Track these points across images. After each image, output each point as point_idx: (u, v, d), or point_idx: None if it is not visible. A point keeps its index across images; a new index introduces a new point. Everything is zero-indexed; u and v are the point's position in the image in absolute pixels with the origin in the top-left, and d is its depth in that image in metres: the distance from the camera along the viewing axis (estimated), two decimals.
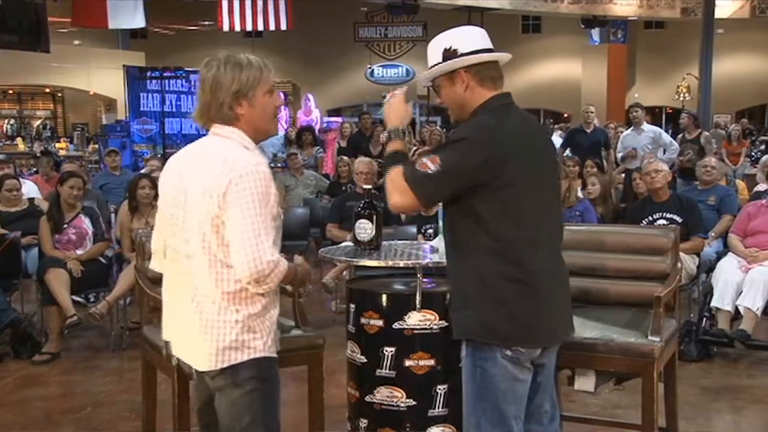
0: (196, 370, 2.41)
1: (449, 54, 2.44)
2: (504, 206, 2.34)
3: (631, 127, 9.58)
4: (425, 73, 2.53)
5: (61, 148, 17.63)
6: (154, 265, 2.54)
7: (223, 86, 2.30)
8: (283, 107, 16.63)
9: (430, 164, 2.33)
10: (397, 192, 2.39)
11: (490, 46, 2.48)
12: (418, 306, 3.24)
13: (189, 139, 10.20)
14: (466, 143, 2.33)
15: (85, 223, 5.91)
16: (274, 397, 2.41)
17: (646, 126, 9.45)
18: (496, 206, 2.34)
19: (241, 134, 2.33)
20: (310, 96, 17.66)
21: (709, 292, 5.39)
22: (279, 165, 10.36)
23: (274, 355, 2.38)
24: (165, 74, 14.24)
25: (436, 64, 2.48)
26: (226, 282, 2.27)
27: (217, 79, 2.30)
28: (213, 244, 2.25)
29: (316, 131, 12.46)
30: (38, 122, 23.02)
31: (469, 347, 2.45)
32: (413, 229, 5.86)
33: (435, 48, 2.49)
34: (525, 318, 2.38)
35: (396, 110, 2.60)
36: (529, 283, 2.37)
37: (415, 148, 9.10)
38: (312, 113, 16.74)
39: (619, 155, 9.53)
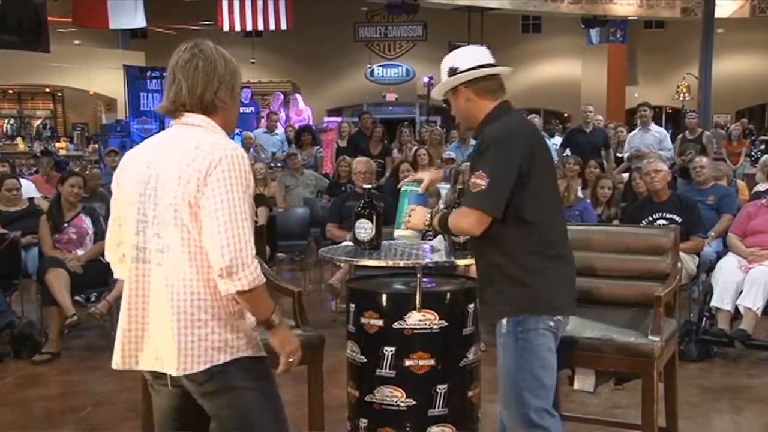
0: (171, 376, 2.22)
1: (452, 72, 2.76)
2: (534, 194, 2.59)
3: (639, 127, 9.41)
4: (435, 90, 2.88)
5: (61, 148, 17.63)
6: (119, 273, 2.35)
7: (218, 73, 2.25)
8: (281, 108, 16.61)
9: (480, 181, 2.55)
10: (470, 221, 2.60)
11: (489, 61, 2.77)
12: (418, 306, 3.24)
13: None
14: (498, 144, 2.57)
15: (86, 222, 5.91)
16: (276, 394, 2.33)
17: (653, 126, 9.33)
18: (530, 192, 2.58)
19: (211, 122, 2.25)
20: (298, 96, 17.68)
21: (709, 292, 5.38)
22: (279, 164, 10.36)
23: (260, 354, 2.27)
24: (165, 74, 14.19)
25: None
26: (210, 272, 2.14)
27: (213, 64, 2.25)
28: (194, 233, 2.13)
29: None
30: (38, 122, 22.99)
31: (510, 323, 2.64)
32: None
33: (443, 68, 2.81)
34: (566, 287, 2.70)
35: (417, 218, 2.95)
36: (564, 257, 2.70)
37: (416, 148, 9.13)
38: (303, 112, 16.69)
39: (625, 155, 9.45)
